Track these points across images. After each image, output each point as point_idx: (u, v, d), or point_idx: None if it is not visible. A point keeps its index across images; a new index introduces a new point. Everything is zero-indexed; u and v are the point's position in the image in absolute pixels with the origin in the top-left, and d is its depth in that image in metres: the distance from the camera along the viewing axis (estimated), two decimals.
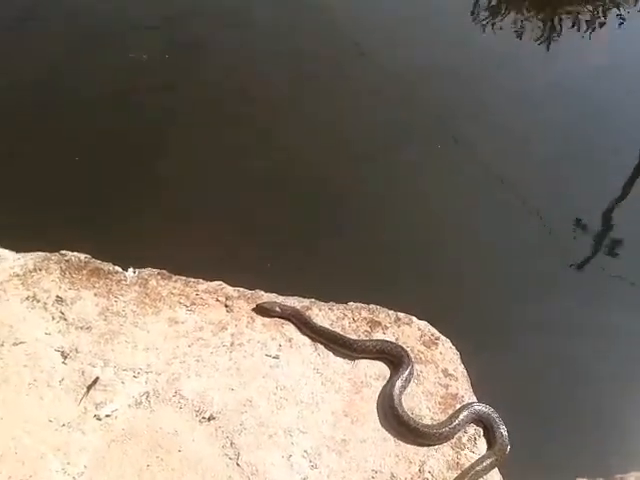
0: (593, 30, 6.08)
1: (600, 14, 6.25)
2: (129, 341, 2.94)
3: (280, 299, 3.23)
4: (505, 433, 2.84)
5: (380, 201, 4.44)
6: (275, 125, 4.80)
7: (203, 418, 2.73)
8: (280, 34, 5.59)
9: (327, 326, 3.10)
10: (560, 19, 6.20)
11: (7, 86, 4.75)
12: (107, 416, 2.68)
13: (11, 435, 2.60)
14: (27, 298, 3.04)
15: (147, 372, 2.85)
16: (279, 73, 5.22)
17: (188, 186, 4.33)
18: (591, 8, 6.30)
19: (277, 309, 3.12)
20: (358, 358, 3.01)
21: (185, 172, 4.41)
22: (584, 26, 6.13)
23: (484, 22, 6.11)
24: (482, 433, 2.86)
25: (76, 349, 2.88)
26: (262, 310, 3.14)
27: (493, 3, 6.36)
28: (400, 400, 2.82)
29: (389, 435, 2.77)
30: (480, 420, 2.87)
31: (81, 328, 2.96)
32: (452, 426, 2.76)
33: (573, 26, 6.13)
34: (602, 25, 6.16)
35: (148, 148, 4.53)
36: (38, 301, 3.04)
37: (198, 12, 5.61)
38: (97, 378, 2.79)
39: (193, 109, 4.87)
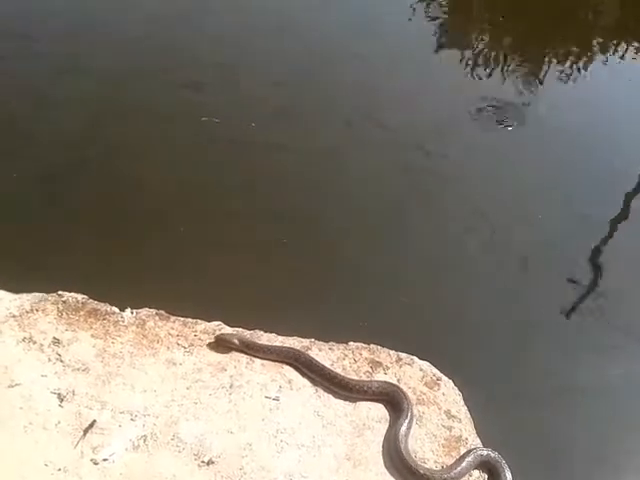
0: None
1: None
2: (126, 383, 2.89)
3: (279, 339, 3.20)
4: (510, 477, 2.79)
5: (378, 242, 4.44)
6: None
7: (202, 462, 2.66)
8: None
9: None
10: None
11: None
12: (104, 460, 2.62)
13: None
14: (23, 339, 2.99)
15: (145, 415, 2.79)
16: None
17: (186, 225, 4.31)
18: None
19: (235, 340, 3.07)
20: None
21: (183, 210, 4.39)
22: None
23: None
24: (487, 478, 2.81)
25: (73, 391, 2.82)
26: (221, 341, 3.09)
27: None
28: (407, 448, 2.76)
29: (393, 479, 2.71)
30: (485, 465, 2.82)
31: (78, 370, 2.91)
32: (457, 471, 2.71)
33: None
34: None
35: (150, 188, 4.53)
36: (34, 342, 2.99)
37: None
38: (94, 421, 2.73)
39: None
